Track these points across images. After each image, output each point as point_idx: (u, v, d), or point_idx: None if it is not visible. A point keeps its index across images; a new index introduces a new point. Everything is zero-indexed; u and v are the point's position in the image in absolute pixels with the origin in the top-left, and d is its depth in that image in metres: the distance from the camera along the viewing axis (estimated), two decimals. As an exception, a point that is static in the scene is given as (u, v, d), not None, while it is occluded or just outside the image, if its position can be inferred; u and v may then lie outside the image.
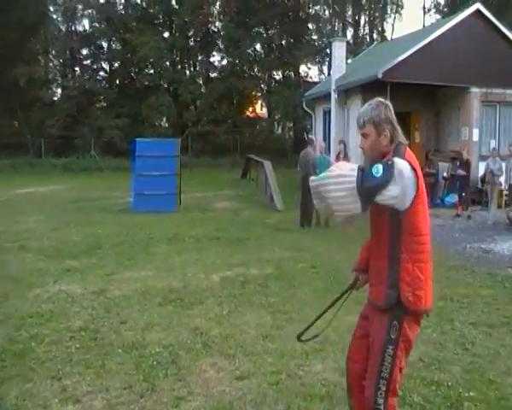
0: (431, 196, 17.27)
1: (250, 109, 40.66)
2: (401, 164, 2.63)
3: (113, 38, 38.01)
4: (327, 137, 20.65)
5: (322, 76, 39.79)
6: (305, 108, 24.16)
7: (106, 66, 39.92)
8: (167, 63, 38.17)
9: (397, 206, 2.66)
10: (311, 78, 40.91)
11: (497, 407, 3.88)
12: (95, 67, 39.40)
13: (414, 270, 2.75)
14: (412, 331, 2.82)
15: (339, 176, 2.64)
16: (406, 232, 2.75)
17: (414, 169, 2.70)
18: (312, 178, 2.79)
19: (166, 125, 39.32)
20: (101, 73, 40.13)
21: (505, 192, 15.04)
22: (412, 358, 4.67)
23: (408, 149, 2.84)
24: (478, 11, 17.99)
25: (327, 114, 21.14)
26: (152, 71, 37.99)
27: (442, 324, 5.58)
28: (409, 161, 2.71)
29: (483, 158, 16.23)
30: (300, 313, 5.95)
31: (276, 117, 40.07)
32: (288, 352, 4.81)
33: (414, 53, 17.05)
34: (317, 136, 22.23)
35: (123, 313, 5.98)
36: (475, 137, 18.21)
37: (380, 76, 16.39)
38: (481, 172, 15.55)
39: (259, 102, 42.16)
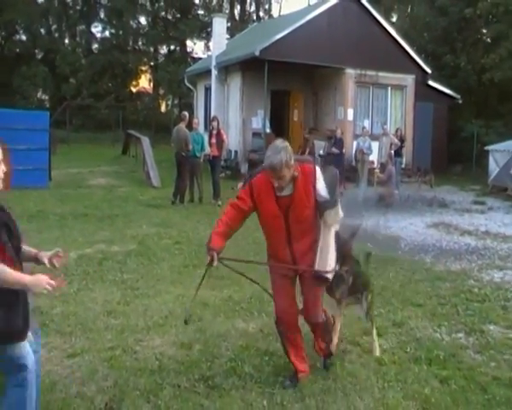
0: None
1: (134, 84, 39.43)
2: None
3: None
4: (208, 113, 20.57)
5: (210, 52, 39.51)
6: (187, 84, 23.89)
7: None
8: (42, 31, 35.74)
9: None
10: (196, 53, 40.52)
11: (323, 371, 4.06)
12: None
13: None
14: None
15: None
16: None
17: None
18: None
19: (44, 97, 37.04)
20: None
21: (377, 170, 15.80)
22: (253, 330, 4.81)
23: None
24: (352, -5, 18.65)
25: (208, 90, 21.06)
26: (24, 37, 35.38)
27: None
28: None
29: (357, 137, 16.99)
30: (152, 288, 5.89)
31: (161, 92, 39.25)
32: (130, 327, 4.73)
33: (290, 33, 17.41)
34: (199, 112, 22.17)
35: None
36: (350, 117, 19.07)
37: (257, 54, 16.57)
38: (354, 150, 16.29)
39: (146, 76, 41.00)
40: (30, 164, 13.97)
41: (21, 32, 35.41)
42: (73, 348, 4.29)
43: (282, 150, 3.46)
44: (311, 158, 4.05)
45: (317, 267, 3.73)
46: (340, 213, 3.84)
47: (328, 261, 3.74)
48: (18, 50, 34.43)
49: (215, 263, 3.51)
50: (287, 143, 3.57)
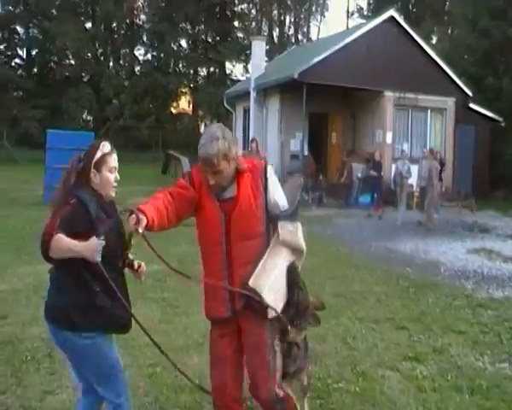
0: (346, 197, 17.81)
1: (174, 105, 40.25)
2: None
3: (31, 25, 36.54)
4: (247, 134, 20.79)
5: (248, 75, 40.03)
6: (226, 106, 24.23)
7: (22, 53, 38.34)
8: (89, 55, 37.15)
9: None
10: (235, 76, 41.16)
11: (362, 396, 4.05)
12: (9, 53, 37.64)
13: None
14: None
15: None
16: None
17: None
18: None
19: (88, 118, 38.25)
20: (17, 60, 38.45)
21: (416, 194, 15.60)
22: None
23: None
24: (392, 18, 18.67)
25: (247, 112, 21.31)
26: (73, 62, 36.91)
27: (329, 319, 5.60)
28: None
29: (396, 160, 16.80)
30: (191, 307, 5.96)
31: (200, 114, 39.95)
32: (170, 345, 4.79)
33: (329, 56, 17.50)
34: (237, 133, 22.42)
35: (6, 307, 5.76)
36: (389, 140, 18.93)
37: (296, 76, 16.71)
38: (393, 173, 16.12)
39: (186, 98, 41.82)
40: (76, 183, 14.43)
41: (71, 57, 37.07)
42: (116, 363, 4.39)
43: (219, 137, 2.69)
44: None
45: (251, 283, 2.74)
46: (301, 237, 2.93)
47: (267, 283, 2.77)
48: (67, 74, 36.06)
49: (140, 228, 2.58)
50: (226, 128, 2.81)
